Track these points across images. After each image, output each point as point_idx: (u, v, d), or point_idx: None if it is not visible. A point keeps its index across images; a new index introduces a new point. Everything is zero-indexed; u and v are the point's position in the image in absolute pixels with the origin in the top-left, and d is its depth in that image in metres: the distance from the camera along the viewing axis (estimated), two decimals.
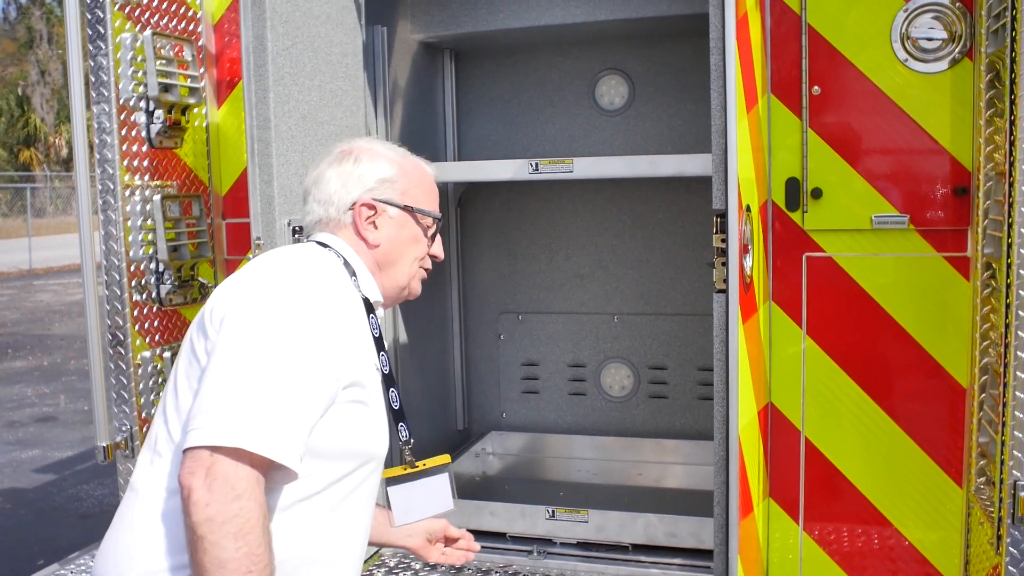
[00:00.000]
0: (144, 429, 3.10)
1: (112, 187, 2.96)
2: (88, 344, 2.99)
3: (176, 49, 3.16)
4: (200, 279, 3.29)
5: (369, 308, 1.96)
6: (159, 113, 3.06)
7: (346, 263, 1.96)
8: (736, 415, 2.37)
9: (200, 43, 3.28)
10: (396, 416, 2.02)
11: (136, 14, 3.01)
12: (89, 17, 2.91)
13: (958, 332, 2.69)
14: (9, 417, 9.47)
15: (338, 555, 1.87)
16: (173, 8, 3.16)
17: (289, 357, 1.66)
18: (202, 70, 3.27)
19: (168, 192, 3.16)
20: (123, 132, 2.98)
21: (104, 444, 3.01)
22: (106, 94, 2.94)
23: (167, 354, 3.15)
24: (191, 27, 3.24)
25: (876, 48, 2.68)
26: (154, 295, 3.11)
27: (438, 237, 2.13)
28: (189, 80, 3.18)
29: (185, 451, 1.58)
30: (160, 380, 3.13)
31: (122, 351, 3.04)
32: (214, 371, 1.64)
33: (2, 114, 40.30)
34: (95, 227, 3.00)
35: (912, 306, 2.73)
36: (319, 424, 1.71)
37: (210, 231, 3.32)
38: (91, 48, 2.93)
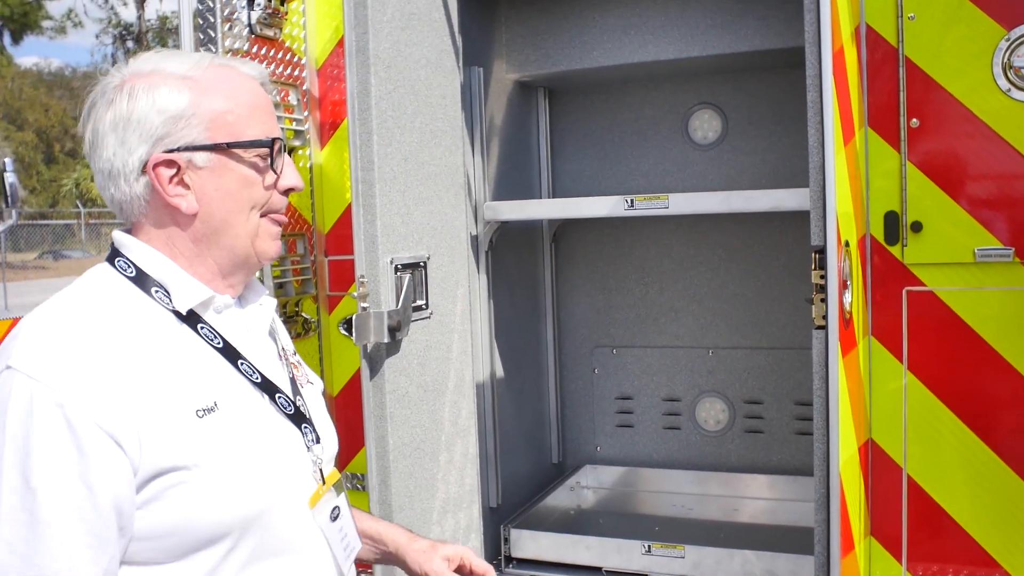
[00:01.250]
0: None
1: None
2: None
3: (283, 94, 3.30)
4: (304, 315, 3.40)
5: (193, 319, 1.49)
6: None
7: (138, 276, 1.48)
8: (837, 452, 2.34)
9: (304, 87, 3.42)
10: (295, 420, 1.60)
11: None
12: None
13: None
14: None
15: None
16: (279, 55, 3.30)
17: (43, 508, 1.28)
18: (306, 113, 3.41)
19: None
20: None
21: None
22: None
23: None
24: (296, 72, 3.38)
25: (976, 78, 2.65)
26: None
27: (287, 163, 1.58)
28: (294, 123, 3.31)
29: None
30: None
31: None
32: None
33: None
34: None
35: (1018, 340, 2.67)
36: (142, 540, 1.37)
37: (313, 268, 3.44)
38: None
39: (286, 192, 1.59)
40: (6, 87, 51.15)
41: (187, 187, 1.48)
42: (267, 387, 1.56)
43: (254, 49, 3.18)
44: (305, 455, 1.59)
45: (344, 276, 3.51)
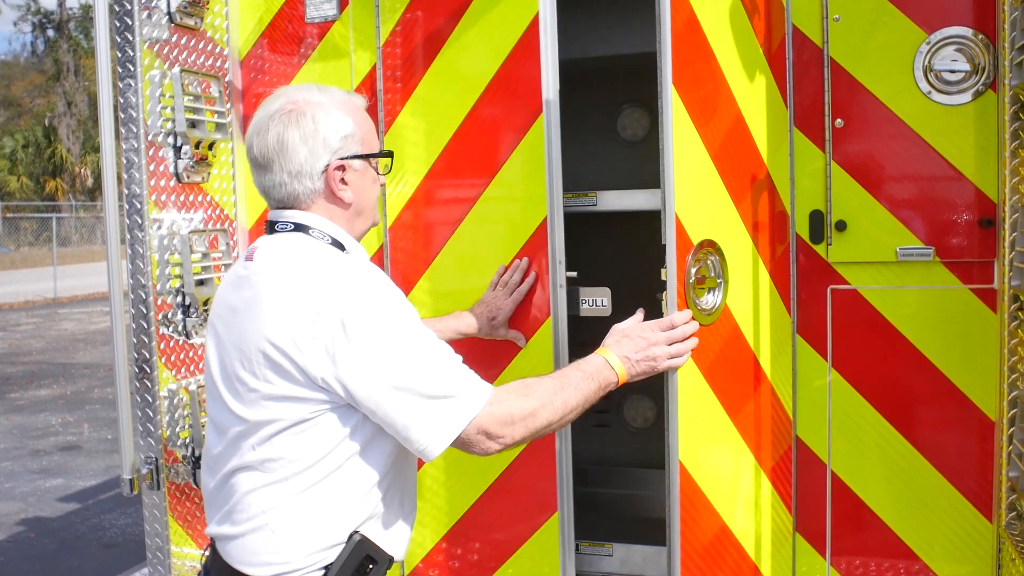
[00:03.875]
0: (170, 461, 3.12)
1: (140, 221, 3.00)
2: (116, 375, 3.02)
3: (204, 86, 3.20)
4: None
5: None
6: (186, 148, 3.10)
7: (333, 242, 2.08)
8: (676, 444, 2.35)
9: (227, 79, 3.32)
10: None
11: (165, 52, 3.06)
12: (119, 55, 2.96)
13: (985, 365, 2.67)
14: (34, 446, 9.55)
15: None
16: (201, 46, 3.21)
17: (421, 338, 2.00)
18: (228, 105, 3.32)
19: (195, 227, 3.19)
20: (151, 167, 3.03)
21: (130, 477, 3.02)
22: (135, 130, 2.98)
23: (193, 387, 3.18)
24: (218, 63, 3.28)
25: (899, 80, 2.69)
26: (180, 328, 3.13)
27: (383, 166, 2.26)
28: (216, 116, 3.22)
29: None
30: (186, 413, 3.15)
31: (148, 383, 3.07)
32: (394, 382, 1.93)
33: (29, 145, 40.87)
34: (122, 257, 3.03)
35: (939, 339, 2.72)
36: None
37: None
38: (120, 85, 2.98)
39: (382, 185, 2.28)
40: None
41: (346, 184, 2.11)
42: None
43: (174, 38, 3.08)
44: None
45: None
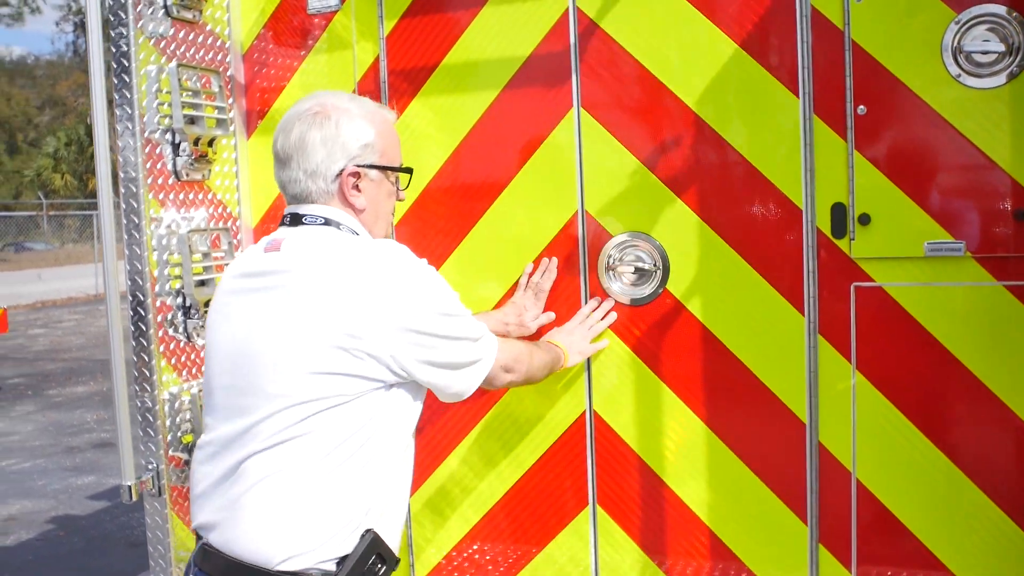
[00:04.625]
0: (172, 465, 3.04)
1: (137, 220, 2.91)
2: (113, 379, 2.94)
3: (203, 80, 3.11)
4: None
5: None
6: (185, 145, 3.01)
7: (362, 236, 2.17)
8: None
9: (228, 73, 3.23)
10: None
11: (162, 46, 2.97)
12: (113, 50, 2.88)
13: (1020, 366, 2.50)
14: (68, 443, 9.61)
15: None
16: (200, 39, 3.12)
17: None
18: (230, 100, 3.23)
19: (196, 226, 3.10)
20: (148, 165, 2.94)
21: (129, 483, 2.94)
22: (131, 127, 2.89)
23: (195, 390, 3.09)
24: (218, 57, 3.19)
25: (926, 63, 2.51)
26: (181, 330, 3.05)
27: (400, 182, 2.30)
28: (216, 111, 3.13)
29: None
30: (188, 416, 3.07)
31: (148, 387, 2.99)
32: (452, 364, 2.16)
33: (72, 143, 41.47)
34: (120, 258, 2.95)
35: (970, 338, 2.54)
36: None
37: None
38: (115, 81, 2.89)
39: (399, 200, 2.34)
40: None
41: (359, 191, 2.16)
42: None
43: (171, 32, 2.99)
44: None
45: None
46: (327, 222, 2.14)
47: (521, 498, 3.08)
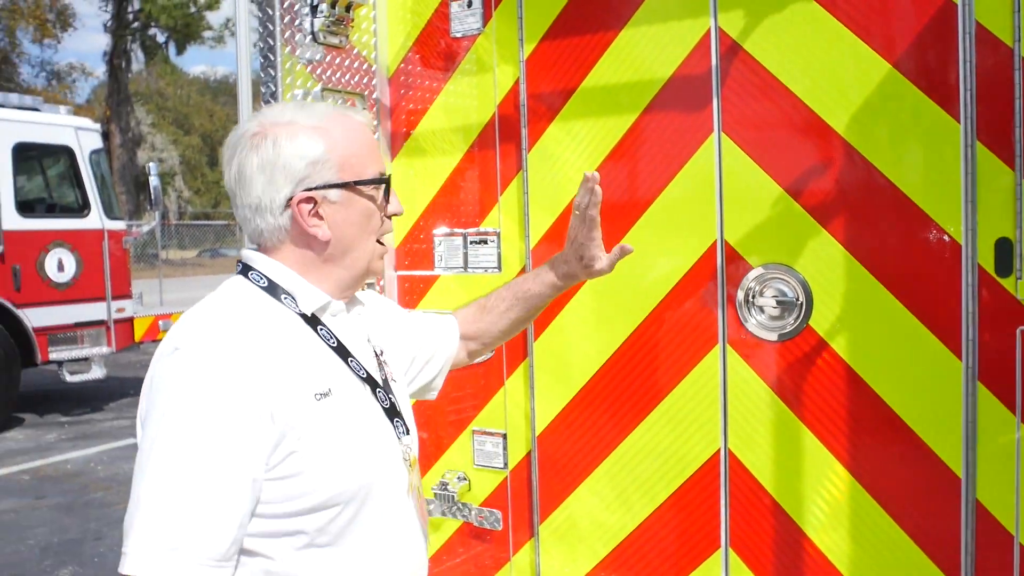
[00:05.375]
0: None
1: None
2: None
3: (349, 103, 3.17)
4: None
5: (314, 321, 1.77)
6: None
7: (269, 286, 1.76)
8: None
9: (374, 96, 3.29)
10: (389, 414, 1.84)
11: (308, 71, 3.05)
12: (262, 76, 2.98)
13: None
14: None
15: None
16: (347, 63, 3.18)
17: (197, 458, 1.55)
18: (375, 123, 3.28)
19: None
20: None
21: None
22: None
23: None
24: (364, 80, 3.25)
25: None
26: None
27: (392, 193, 1.85)
28: None
29: None
30: None
31: None
32: (134, 482, 1.58)
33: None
34: None
35: None
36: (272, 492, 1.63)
37: (379, 284, 3.31)
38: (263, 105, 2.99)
39: (391, 216, 1.87)
40: (175, 94, 54.08)
41: (321, 218, 1.75)
42: (370, 382, 1.82)
43: (317, 57, 3.06)
44: (396, 444, 1.85)
45: (414, 290, 3.37)
46: (243, 268, 1.80)
47: (651, 534, 2.96)
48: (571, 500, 3.09)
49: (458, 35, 3.18)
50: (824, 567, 2.67)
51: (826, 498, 2.65)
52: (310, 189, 1.72)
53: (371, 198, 1.80)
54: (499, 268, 3.14)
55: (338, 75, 3.16)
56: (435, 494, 3.32)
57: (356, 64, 3.23)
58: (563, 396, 3.06)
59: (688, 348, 2.82)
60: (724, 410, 2.79)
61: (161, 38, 31.14)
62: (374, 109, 3.27)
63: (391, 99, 3.35)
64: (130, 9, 30.79)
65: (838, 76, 2.56)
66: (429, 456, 3.39)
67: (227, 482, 1.56)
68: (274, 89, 2.96)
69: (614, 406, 2.98)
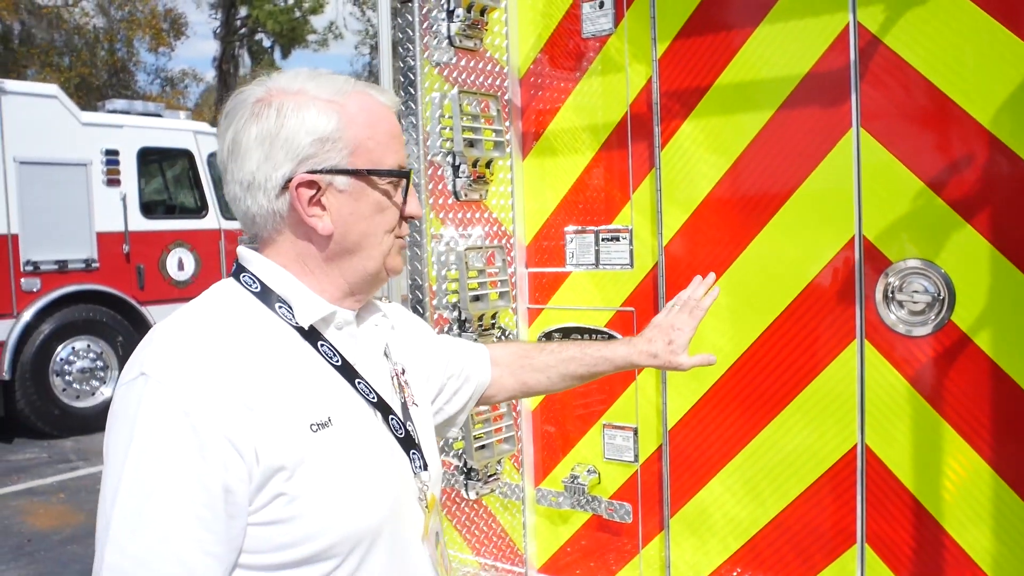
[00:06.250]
0: (448, 468, 3.21)
1: (419, 238, 3.12)
2: None
3: (482, 105, 3.27)
4: (500, 326, 3.37)
5: (314, 336, 1.51)
6: (464, 167, 3.19)
7: (262, 292, 1.50)
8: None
9: (506, 97, 3.38)
10: (404, 445, 1.58)
11: (445, 73, 3.16)
12: (401, 80, 3.10)
13: None
14: None
15: None
16: (480, 66, 3.28)
17: (158, 517, 1.31)
18: (507, 123, 3.37)
19: (472, 243, 3.27)
20: (431, 186, 3.14)
21: None
22: (415, 151, 3.11)
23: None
24: (497, 82, 3.34)
25: None
26: None
27: (411, 192, 1.58)
28: (494, 134, 3.28)
29: None
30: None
31: None
32: (97, 528, 1.37)
33: None
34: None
35: None
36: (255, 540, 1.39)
37: (511, 280, 3.40)
38: (403, 108, 3.11)
39: (407, 219, 1.60)
40: None
41: (324, 208, 1.49)
42: (382, 407, 1.56)
43: (453, 60, 3.17)
44: (412, 481, 1.59)
45: (544, 288, 3.45)
46: (237, 270, 1.55)
47: (784, 529, 2.98)
48: (703, 494, 3.12)
49: (589, 36, 3.24)
50: (965, 564, 2.64)
51: (968, 494, 2.63)
52: (313, 172, 1.46)
53: (386, 193, 1.53)
54: (631, 264, 3.19)
55: (472, 77, 3.27)
56: (565, 487, 3.39)
57: (488, 66, 3.33)
58: (696, 391, 3.10)
59: (824, 344, 2.83)
60: (861, 405, 2.78)
61: (267, 43, 32.05)
62: (506, 110, 3.36)
63: (522, 100, 3.43)
64: (238, 16, 31.80)
65: (982, 67, 2.53)
66: (556, 450, 3.47)
67: (192, 550, 1.33)
68: (413, 92, 3.08)
69: (747, 401, 3.00)
